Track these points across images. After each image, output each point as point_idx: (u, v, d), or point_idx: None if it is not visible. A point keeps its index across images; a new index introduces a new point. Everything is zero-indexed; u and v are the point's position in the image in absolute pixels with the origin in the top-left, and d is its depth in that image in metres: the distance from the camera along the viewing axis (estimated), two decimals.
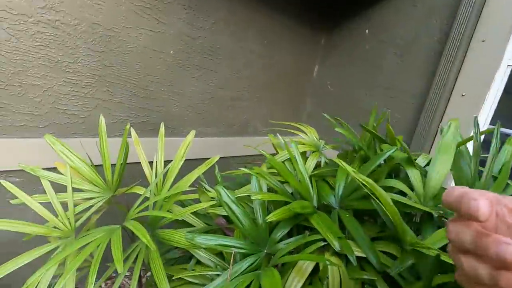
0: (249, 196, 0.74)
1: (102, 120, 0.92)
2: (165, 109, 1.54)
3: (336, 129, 0.87)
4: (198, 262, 0.79)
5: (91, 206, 0.88)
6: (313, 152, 0.94)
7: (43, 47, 1.14)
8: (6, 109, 1.12)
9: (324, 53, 2.18)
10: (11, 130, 1.15)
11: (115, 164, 0.98)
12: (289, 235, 0.70)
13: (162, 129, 1.01)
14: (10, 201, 0.84)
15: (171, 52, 1.46)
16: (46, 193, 0.90)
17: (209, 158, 1.84)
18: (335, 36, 2.10)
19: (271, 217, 0.61)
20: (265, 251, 0.67)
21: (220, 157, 1.89)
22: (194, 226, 0.93)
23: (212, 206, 0.80)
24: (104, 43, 1.26)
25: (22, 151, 1.18)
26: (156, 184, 0.94)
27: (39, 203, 0.85)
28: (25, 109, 1.16)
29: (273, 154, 1.10)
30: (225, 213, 0.80)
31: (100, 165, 1.27)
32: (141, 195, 0.97)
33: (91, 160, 0.99)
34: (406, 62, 1.69)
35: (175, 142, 1.61)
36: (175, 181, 0.94)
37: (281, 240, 0.68)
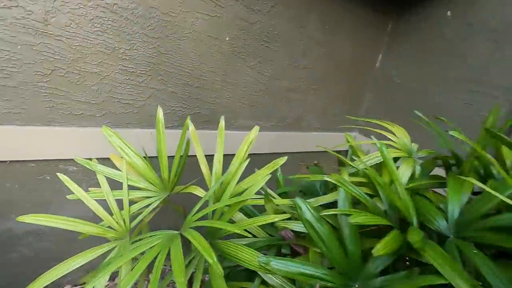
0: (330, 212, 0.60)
1: (160, 112, 0.84)
2: (218, 100, 1.45)
3: (451, 133, 0.67)
4: (263, 282, 0.67)
5: (147, 205, 0.81)
6: (405, 159, 0.76)
7: (101, 33, 1.08)
8: (65, 97, 1.10)
9: (391, 40, 1.92)
10: (69, 118, 1.13)
11: (172, 157, 0.90)
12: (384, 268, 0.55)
13: (222, 122, 0.90)
14: (67, 196, 0.79)
15: (227, 38, 1.35)
16: (101, 187, 0.84)
17: (259, 153, 1.73)
18: (405, 20, 1.83)
19: (380, 250, 0.47)
20: (357, 286, 0.53)
21: (271, 153, 1.77)
22: (253, 235, 0.82)
23: (282, 218, 0.67)
24: (160, 29, 1.18)
25: (79, 140, 1.16)
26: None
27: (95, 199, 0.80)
28: (83, 98, 1.13)
29: (338, 154, 0.94)
30: (298, 229, 0.67)
31: (154, 157, 1.21)
32: (197, 195, 0.87)
33: (146, 155, 0.92)
34: (503, 50, 1.39)
35: (226, 135, 1.51)
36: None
37: (379, 274, 0.53)
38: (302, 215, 0.55)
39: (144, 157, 0.87)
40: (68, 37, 1.04)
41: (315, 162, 2.01)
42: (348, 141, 0.89)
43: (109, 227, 0.77)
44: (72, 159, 1.19)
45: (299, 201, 0.57)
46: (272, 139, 1.74)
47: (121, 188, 0.81)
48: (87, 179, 1.25)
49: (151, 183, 0.84)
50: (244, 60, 1.44)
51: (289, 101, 1.70)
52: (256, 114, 1.61)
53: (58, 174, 0.78)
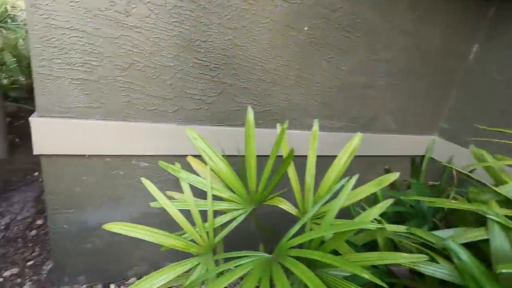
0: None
1: (251, 113, 0.74)
2: (290, 97, 1.32)
3: None
4: None
5: (231, 219, 0.73)
6: None
7: (179, 24, 1.02)
8: (141, 92, 1.06)
9: (492, 29, 1.60)
10: (143, 114, 1.10)
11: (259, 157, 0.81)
12: None
13: (316, 127, 0.77)
14: (150, 204, 0.74)
15: (305, 28, 1.21)
16: (174, 190, 0.78)
17: (329, 156, 1.58)
18: (511, 6, 1.51)
19: None
20: None
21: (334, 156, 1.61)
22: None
23: (418, 260, 0.53)
24: (237, 18, 1.08)
25: (151, 136, 1.13)
26: (304, 197, 0.73)
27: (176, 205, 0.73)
28: (157, 92, 1.09)
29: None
30: (429, 272, 0.52)
31: (231, 155, 1.13)
32: (285, 209, 0.77)
33: (224, 154, 0.83)
34: None
35: (296, 135, 1.39)
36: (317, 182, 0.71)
37: None
38: (462, 266, 0.41)
39: (223, 155, 0.79)
40: (147, 28, 0.98)
41: (386, 167, 1.81)
42: (480, 158, 0.71)
43: (192, 240, 0.70)
44: (144, 156, 1.16)
45: (454, 246, 0.43)
46: (343, 141, 1.57)
47: (199, 191, 0.74)
48: (157, 175, 1.22)
49: (236, 194, 0.75)
50: (321, 52, 1.29)
51: (364, 99, 1.51)
52: (328, 113, 1.45)
53: (142, 179, 0.73)
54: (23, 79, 3.43)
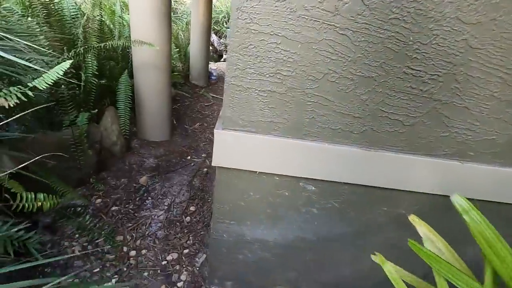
0: None
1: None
2: None
3: None
4: None
5: None
6: None
7: (397, 21, 0.75)
8: (328, 108, 0.87)
9: None
10: (325, 133, 0.91)
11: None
12: None
13: None
14: (408, 244, 0.55)
15: None
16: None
17: None
18: None
19: None
20: None
21: None
22: None
23: None
24: (484, 9, 0.73)
25: (327, 159, 0.94)
26: None
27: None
28: (347, 109, 0.87)
29: None
30: None
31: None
32: None
33: None
34: None
35: None
36: None
37: None
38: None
39: None
40: (355, 29, 0.76)
41: None
42: None
43: None
44: (314, 179, 0.99)
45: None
46: None
47: None
48: (322, 201, 1.04)
49: None
50: None
51: None
52: None
53: (411, 217, 0.53)
54: (180, 66, 3.95)
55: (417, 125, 0.90)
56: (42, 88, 0.85)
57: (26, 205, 0.91)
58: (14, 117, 0.91)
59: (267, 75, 0.83)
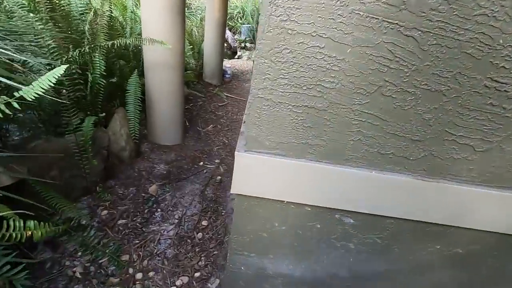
0: None
1: None
2: None
3: None
4: None
5: None
6: None
7: (487, 18, 0.56)
8: (379, 129, 0.69)
9: None
10: (372, 159, 0.73)
11: None
12: None
13: None
14: None
15: None
16: None
17: None
18: None
19: None
20: None
21: None
22: None
23: None
24: None
25: (373, 188, 0.76)
26: None
27: None
28: (404, 131, 0.69)
29: None
30: None
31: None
32: None
33: None
34: None
35: None
36: None
37: None
38: None
39: None
40: (427, 29, 0.58)
41: None
42: None
43: None
44: (354, 211, 0.81)
45: None
46: None
47: None
48: (362, 236, 0.87)
49: None
50: None
51: None
52: None
53: None
54: (194, 63, 3.80)
55: (492, 151, 0.70)
56: (30, 99, 0.71)
57: (14, 234, 0.78)
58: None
59: (305, 87, 0.65)
